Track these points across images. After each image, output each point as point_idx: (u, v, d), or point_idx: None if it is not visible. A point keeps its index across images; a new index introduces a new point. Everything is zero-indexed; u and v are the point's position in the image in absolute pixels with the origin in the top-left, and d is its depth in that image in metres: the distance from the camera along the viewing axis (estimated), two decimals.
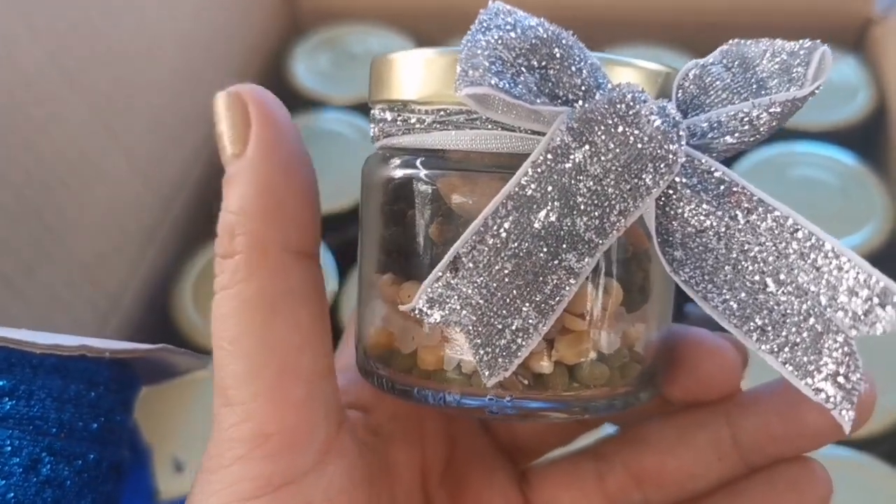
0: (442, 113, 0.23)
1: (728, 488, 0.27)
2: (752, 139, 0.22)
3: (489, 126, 0.22)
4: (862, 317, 0.20)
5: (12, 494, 0.27)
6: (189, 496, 0.23)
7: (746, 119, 0.22)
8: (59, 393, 0.28)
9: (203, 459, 0.24)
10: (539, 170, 0.21)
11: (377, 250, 0.25)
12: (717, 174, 0.21)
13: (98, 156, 0.45)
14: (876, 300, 0.20)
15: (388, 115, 0.24)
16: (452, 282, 0.21)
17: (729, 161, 0.24)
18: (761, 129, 0.22)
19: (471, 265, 0.21)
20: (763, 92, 0.22)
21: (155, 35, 0.51)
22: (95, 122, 0.44)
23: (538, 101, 0.21)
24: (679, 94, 0.23)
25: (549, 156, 0.21)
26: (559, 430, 0.31)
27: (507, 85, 0.21)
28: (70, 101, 0.42)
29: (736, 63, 0.23)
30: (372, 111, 0.26)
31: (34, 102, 0.40)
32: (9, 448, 0.27)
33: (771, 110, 0.22)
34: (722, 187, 0.21)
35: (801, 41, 0.23)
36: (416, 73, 0.24)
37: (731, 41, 0.24)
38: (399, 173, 0.24)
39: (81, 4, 0.44)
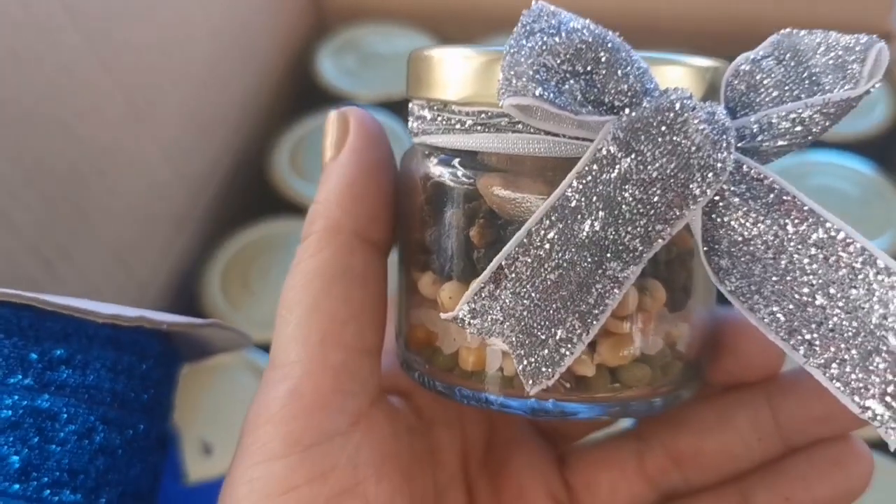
0: (483, 115, 0.23)
1: (769, 468, 0.27)
2: (803, 141, 0.21)
3: (531, 130, 0.22)
4: None
5: (67, 461, 0.27)
6: (231, 463, 0.24)
7: (798, 120, 0.21)
8: (112, 363, 0.29)
9: (242, 428, 0.24)
10: (584, 181, 0.21)
11: (417, 247, 0.25)
12: (766, 182, 0.21)
13: (131, 144, 0.45)
14: None
15: (427, 114, 0.24)
16: (495, 293, 0.21)
17: None
18: (814, 130, 0.21)
19: (514, 276, 0.21)
20: (816, 88, 0.22)
21: (188, 29, 0.51)
22: (130, 111, 0.44)
23: (583, 110, 0.20)
24: (728, 92, 0.22)
25: (595, 166, 0.21)
26: None
27: (551, 95, 0.20)
28: (107, 89, 0.42)
29: (788, 55, 0.22)
30: (410, 105, 0.25)
31: (74, 89, 0.40)
32: (65, 415, 0.28)
33: (825, 111, 0.21)
34: (772, 196, 0.21)
35: (856, 35, 0.22)
36: (455, 72, 0.23)
37: (782, 31, 0.23)
38: (438, 172, 0.24)
39: None
